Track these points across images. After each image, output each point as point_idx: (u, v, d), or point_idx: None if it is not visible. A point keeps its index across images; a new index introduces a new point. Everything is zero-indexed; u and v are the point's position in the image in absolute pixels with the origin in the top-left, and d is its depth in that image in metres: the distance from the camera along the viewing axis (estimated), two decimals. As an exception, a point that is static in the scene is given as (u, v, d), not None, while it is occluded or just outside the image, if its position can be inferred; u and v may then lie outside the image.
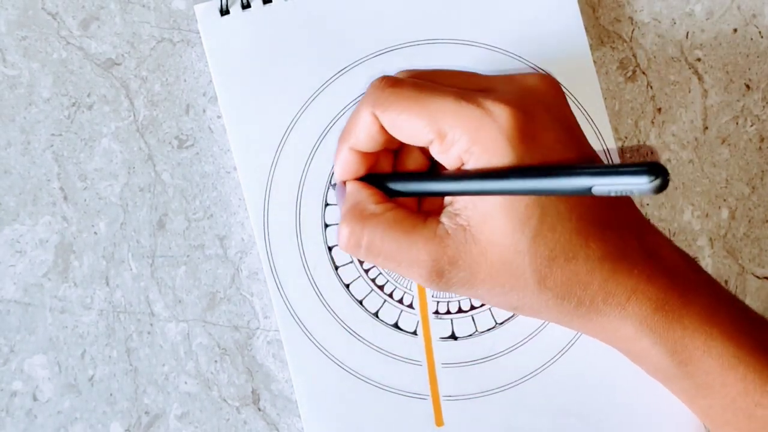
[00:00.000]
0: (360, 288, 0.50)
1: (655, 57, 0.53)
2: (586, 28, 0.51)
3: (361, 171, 0.47)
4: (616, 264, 0.43)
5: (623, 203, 0.45)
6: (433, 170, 0.47)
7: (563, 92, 0.46)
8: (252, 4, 0.50)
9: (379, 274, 0.50)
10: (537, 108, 0.43)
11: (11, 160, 0.50)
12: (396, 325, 0.50)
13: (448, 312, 0.50)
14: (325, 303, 0.50)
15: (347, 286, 0.50)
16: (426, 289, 0.50)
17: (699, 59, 0.53)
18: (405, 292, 0.50)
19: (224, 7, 0.50)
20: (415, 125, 0.43)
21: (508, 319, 0.51)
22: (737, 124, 0.53)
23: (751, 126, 0.53)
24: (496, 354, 0.50)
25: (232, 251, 0.51)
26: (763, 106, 0.53)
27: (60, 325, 0.50)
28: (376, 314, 0.50)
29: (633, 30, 0.53)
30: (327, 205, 0.50)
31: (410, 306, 0.50)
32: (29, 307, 0.50)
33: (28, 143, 0.50)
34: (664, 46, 0.53)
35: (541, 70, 0.51)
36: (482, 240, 0.43)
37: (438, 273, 0.44)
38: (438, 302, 0.50)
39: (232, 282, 0.51)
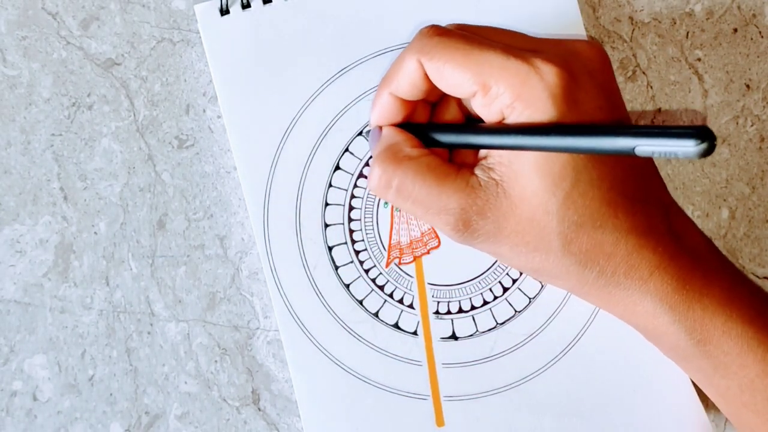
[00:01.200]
0: (360, 288, 0.50)
1: (655, 57, 0.53)
2: (586, 28, 0.51)
3: (398, 118, 0.47)
4: (642, 239, 0.43)
5: (653, 181, 0.46)
6: (471, 124, 0.47)
7: (610, 61, 0.46)
8: (252, 4, 0.50)
9: (379, 274, 0.50)
10: (582, 73, 0.43)
11: (11, 160, 0.50)
12: (396, 326, 0.50)
13: (449, 312, 0.50)
14: (325, 303, 0.50)
15: (347, 286, 0.50)
16: (426, 289, 0.50)
17: (699, 59, 0.53)
18: (405, 293, 0.50)
19: (224, 6, 0.50)
20: (460, 76, 0.43)
21: (509, 319, 0.51)
22: (737, 124, 0.53)
23: (751, 126, 0.53)
24: (496, 354, 0.50)
25: (232, 251, 0.51)
26: (763, 106, 0.53)
27: (60, 325, 0.50)
28: (376, 314, 0.50)
29: (633, 30, 0.53)
30: (327, 204, 0.50)
31: (410, 306, 0.50)
32: (29, 307, 0.50)
33: (28, 143, 0.50)
34: (664, 46, 0.53)
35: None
36: (513, 196, 0.43)
37: (465, 222, 0.44)
38: (438, 302, 0.50)
39: (232, 282, 0.51)
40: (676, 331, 0.44)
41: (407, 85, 0.46)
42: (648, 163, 0.46)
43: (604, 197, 0.43)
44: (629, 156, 0.39)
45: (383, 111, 0.47)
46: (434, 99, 0.48)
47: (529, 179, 0.43)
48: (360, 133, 0.50)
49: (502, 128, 0.43)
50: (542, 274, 0.46)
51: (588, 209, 0.43)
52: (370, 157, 0.51)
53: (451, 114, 0.48)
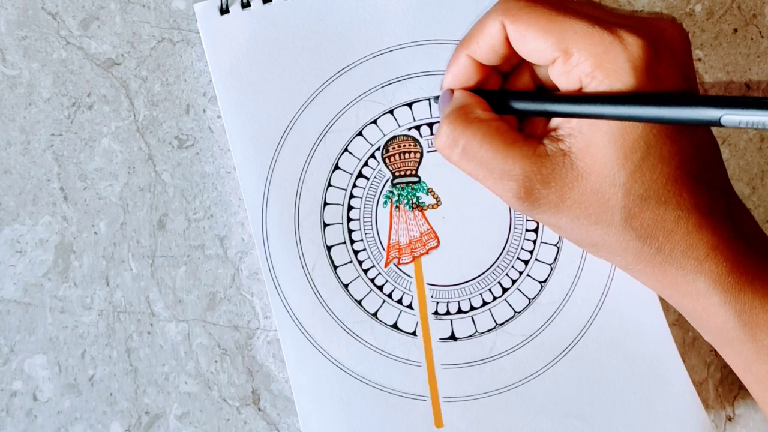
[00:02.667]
0: (359, 288, 0.50)
1: (655, 57, 0.53)
2: (586, 28, 0.51)
3: (470, 82, 0.47)
4: (703, 219, 0.44)
5: (717, 164, 0.46)
6: (547, 92, 0.47)
7: (690, 43, 0.46)
8: (252, 4, 0.50)
9: (378, 275, 0.50)
10: (665, 50, 0.43)
11: (11, 160, 0.50)
12: (395, 326, 0.50)
13: (448, 312, 0.50)
14: (323, 303, 0.50)
15: (346, 286, 0.50)
16: (425, 289, 0.50)
17: (699, 59, 0.53)
18: (404, 293, 0.50)
19: (224, 6, 0.50)
20: (543, 40, 0.44)
21: (508, 320, 0.51)
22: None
23: (752, 126, 0.53)
24: (496, 355, 0.50)
25: (232, 251, 0.51)
26: (764, 107, 0.53)
27: (60, 325, 0.50)
28: (375, 314, 0.50)
29: (633, 30, 0.53)
30: (326, 204, 0.50)
31: (409, 306, 0.50)
32: (29, 307, 0.50)
33: (28, 143, 0.50)
34: (664, 46, 0.53)
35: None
36: (580, 167, 0.43)
37: (528, 190, 0.44)
38: (437, 303, 0.50)
39: (232, 282, 0.51)
40: (724, 312, 0.44)
41: (486, 47, 0.46)
42: (713, 146, 0.46)
43: (671, 174, 0.43)
44: (712, 126, 0.39)
45: (457, 73, 0.47)
46: (507, 69, 0.48)
47: (599, 149, 0.43)
48: (359, 133, 0.50)
49: (580, 96, 0.43)
50: (599, 249, 0.46)
51: (654, 184, 0.43)
52: (371, 156, 0.51)
53: (522, 85, 0.48)
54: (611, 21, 0.44)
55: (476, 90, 0.48)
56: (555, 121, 0.45)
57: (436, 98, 0.50)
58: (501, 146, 0.44)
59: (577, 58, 0.43)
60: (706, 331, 0.47)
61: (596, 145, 0.43)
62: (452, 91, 0.48)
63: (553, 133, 0.45)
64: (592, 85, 0.43)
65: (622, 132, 0.42)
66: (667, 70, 0.43)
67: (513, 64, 0.48)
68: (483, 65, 0.47)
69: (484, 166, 0.45)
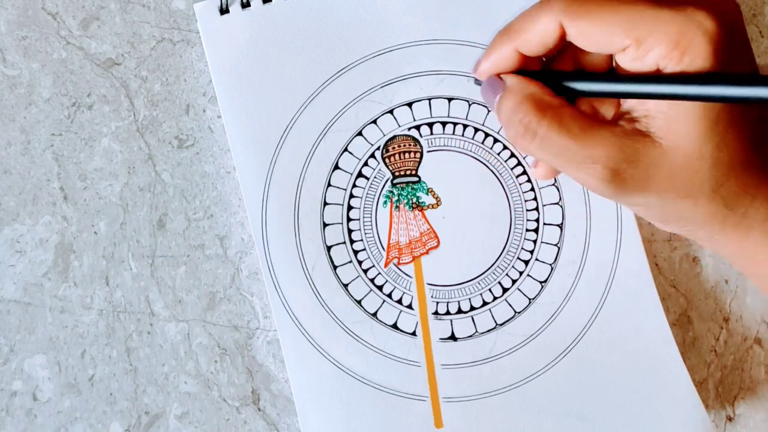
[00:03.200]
0: (359, 288, 0.50)
1: (655, 57, 0.53)
2: (586, 28, 0.51)
3: (512, 68, 0.47)
4: None
5: None
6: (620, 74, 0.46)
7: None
8: (252, 3, 0.50)
9: (378, 274, 0.50)
10: (730, 23, 0.43)
11: (11, 160, 0.50)
12: (395, 326, 0.50)
13: (448, 313, 0.50)
14: (323, 303, 0.50)
15: (346, 285, 0.50)
16: (425, 289, 0.50)
17: (699, 59, 0.53)
18: (404, 293, 0.50)
19: (224, 5, 0.50)
20: (610, 31, 0.43)
21: (509, 320, 0.51)
22: (738, 124, 0.53)
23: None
24: (496, 355, 0.50)
25: (232, 251, 0.51)
26: (764, 106, 0.53)
27: (60, 325, 0.50)
28: (374, 314, 0.50)
29: (633, 30, 0.53)
30: (326, 204, 0.50)
31: (409, 306, 0.50)
32: (29, 307, 0.50)
33: (28, 143, 0.50)
34: (664, 46, 0.53)
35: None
36: (665, 144, 0.43)
37: (614, 172, 0.43)
38: (437, 303, 0.50)
39: (232, 282, 0.51)
40: None
41: (537, 43, 0.45)
42: None
43: (752, 139, 0.43)
44: None
45: (500, 62, 0.47)
46: (551, 56, 0.47)
47: (684, 127, 0.43)
48: (359, 133, 0.50)
49: (659, 77, 0.43)
50: (686, 223, 0.45)
51: (738, 152, 0.43)
52: (371, 155, 0.51)
53: (565, 67, 0.48)
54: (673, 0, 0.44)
55: (541, 72, 0.47)
56: (628, 104, 0.45)
57: (477, 81, 0.49)
58: (579, 132, 0.44)
59: (651, 42, 0.42)
60: None
61: (679, 122, 0.43)
62: (499, 76, 0.47)
63: (627, 116, 0.44)
64: (670, 66, 0.42)
65: (704, 105, 0.42)
66: (737, 44, 0.43)
67: (556, 51, 0.47)
68: (526, 55, 0.47)
69: (564, 153, 0.44)
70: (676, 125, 0.43)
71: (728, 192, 0.44)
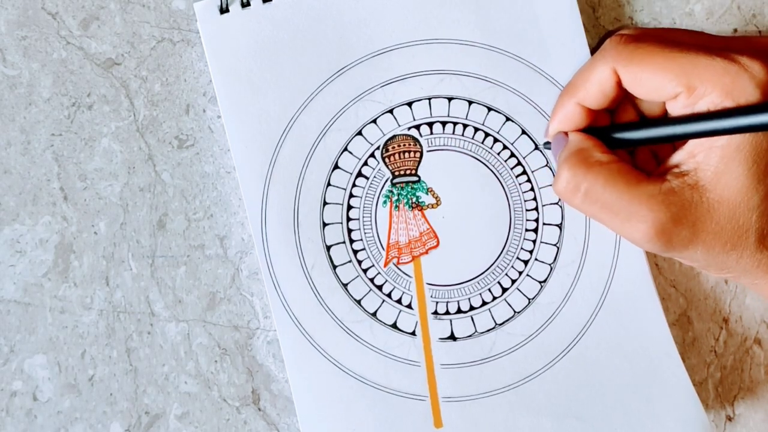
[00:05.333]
0: (358, 287, 0.50)
1: (655, 57, 0.53)
2: (586, 28, 0.51)
3: (581, 125, 0.47)
4: None
5: None
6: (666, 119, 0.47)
7: None
8: (252, 3, 0.50)
9: (377, 274, 0.50)
10: None
11: (11, 160, 0.50)
12: (394, 326, 0.50)
13: (447, 312, 0.50)
14: (322, 303, 0.50)
15: (345, 285, 0.50)
16: (425, 289, 0.50)
17: (699, 59, 0.53)
18: (404, 292, 0.50)
19: (224, 5, 0.50)
20: (662, 78, 0.44)
21: (508, 320, 0.50)
22: (737, 124, 0.53)
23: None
24: (495, 355, 0.50)
25: (232, 251, 0.51)
26: (764, 106, 0.53)
27: (60, 325, 0.50)
28: (374, 314, 0.50)
29: (633, 30, 0.53)
30: (325, 204, 0.50)
31: (409, 306, 0.50)
32: (29, 307, 0.50)
33: (28, 143, 0.50)
34: (664, 46, 0.53)
35: (541, 71, 0.51)
36: (711, 198, 0.43)
37: (659, 230, 0.44)
38: (437, 303, 0.50)
39: (232, 282, 0.51)
40: None
41: (597, 93, 0.46)
42: None
43: None
44: None
45: (566, 119, 0.48)
46: (613, 107, 0.48)
47: (733, 179, 0.43)
48: (359, 133, 0.50)
49: (706, 114, 0.43)
50: (729, 271, 0.46)
51: None
52: (371, 155, 0.51)
53: (628, 118, 0.48)
54: (723, 47, 0.44)
55: (589, 129, 0.47)
56: (677, 157, 0.45)
57: (546, 144, 0.50)
58: (624, 188, 0.44)
59: (703, 90, 0.43)
60: None
61: (729, 174, 0.43)
62: (566, 133, 0.48)
63: (675, 169, 0.45)
64: None
65: (754, 158, 0.43)
66: None
67: (618, 102, 0.48)
68: (590, 110, 0.47)
69: (609, 209, 0.45)
70: (726, 178, 0.43)
71: None
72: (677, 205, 0.44)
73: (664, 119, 0.46)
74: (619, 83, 0.45)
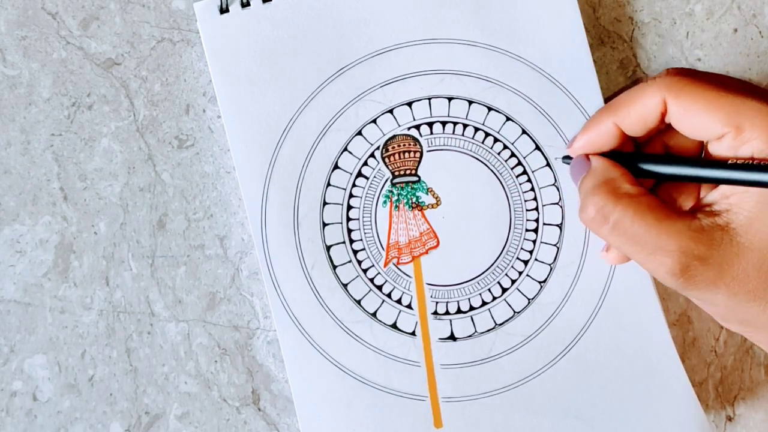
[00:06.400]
0: (358, 288, 0.50)
1: (655, 57, 0.53)
2: (586, 28, 0.51)
3: (606, 147, 0.47)
4: None
5: None
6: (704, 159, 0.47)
7: None
8: (251, 3, 0.50)
9: (377, 274, 0.50)
10: None
11: (11, 160, 0.50)
12: (394, 326, 0.50)
13: (447, 312, 0.50)
14: (322, 303, 0.50)
15: (345, 285, 0.50)
16: (425, 289, 0.50)
17: (699, 59, 0.53)
18: (403, 293, 0.50)
19: (224, 5, 0.50)
20: (712, 116, 0.43)
21: (508, 320, 0.50)
22: (737, 124, 0.53)
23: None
24: (495, 355, 0.50)
25: (232, 251, 0.51)
26: (764, 106, 0.53)
27: (60, 325, 0.50)
28: (374, 314, 0.50)
29: (633, 30, 0.53)
30: (325, 204, 0.50)
31: (409, 306, 0.50)
32: (29, 307, 0.50)
33: (28, 143, 0.50)
34: (664, 46, 0.53)
35: (541, 70, 0.51)
36: (742, 242, 0.43)
37: (684, 267, 0.43)
38: (437, 303, 0.50)
39: (232, 282, 0.51)
40: None
41: (638, 119, 0.46)
42: None
43: None
44: None
45: (595, 138, 0.47)
46: (647, 138, 0.48)
47: (766, 225, 0.43)
48: (359, 133, 0.50)
49: (747, 164, 0.43)
50: (747, 325, 0.45)
51: None
52: (371, 155, 0.51)
53: (653, 149, 0.48)
54: None
55: (615, 153, 0.47)
56: (711, 196, 0.45)
57: (565, 158, 0.50)
58: (653, 222, 0.44)
59: (750, 134, 0.43)
60: None
61: (762, 222, 0.43)
62: (587, 156, 0.48)
63: (707, 208, 0.44)
64: None
65: None
66: None
67: (653, 134, 0.47)
68: (622, 134, 0.47)
69: (635, 241, 0.44)
70: (758, 223, 0.43)
71: None
72: (705, 244, 0.43)
73: (700, 159, 0.46)
74: (663, 114, 0.45)
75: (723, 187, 0.44)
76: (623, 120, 0.46)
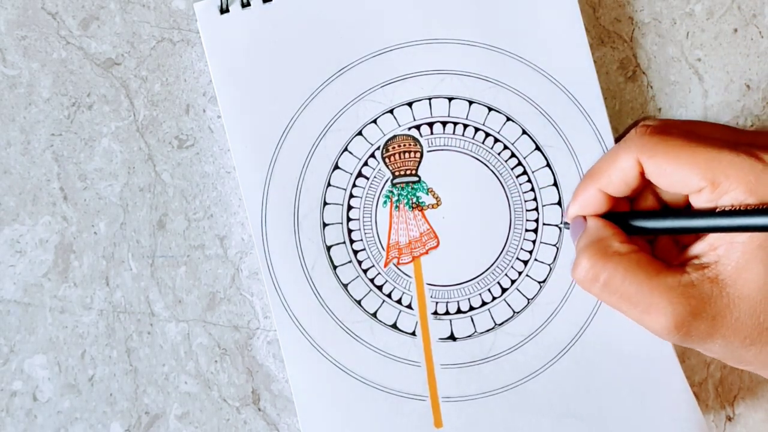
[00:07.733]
0: (358, 288, 0.50)
1: (655, 57, 0.53)
2: (586, 28, 0.51)
3: (600, 210, 0.48)
4: None
5: None
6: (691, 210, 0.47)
7: None
8: (252, 3, 0.50)
9: (378, 274, 0.50)
10: None
11: (11, 160, 0.50)
12: (394, 326, 0.50)
13: (447, 313, 0.50)
14: (322, 303, 0.50)
15: (345, 285, 0.50)
16: (425, 289, 0.50)
17: (699, 59, 0.53)
18: (404, 293, 0.50)
19: (224, 5, 0.50)
20: (687, 172, 0.44)
21: (508, 320, 0.50)
22: (737, 124, 0.53)
23: (751, 126, 0.53)
24: (495, 355, 0.50)
25: (232, 251, 0.51)
26: (763, 107, 0.53)
27: (60, 325, 0.50)
28: (374, 314, 0.50)
29: (633, 30, 0.53)
30: (325, 204, 0.50)
31: (409, 306, 0.50)
32: (29, 307, 0.50)
33: (28, 143, 0.50)
34: (664, 46, 0.53)
35: (541, 71, 0.51)
36: (732, 293, 0.43)
37: (678, 323, 0.44)
38: (437, 303, 0.50)
39: (232, 282, 0.51)
40: None
41: (619, 182, 0.46)
42: None
43: None
44: None
45: (587, 204, 0.48)
46: (635, 195, 0.48)
47: (754, 275, 0.43)
48: (359, 133, 0.50)
49: (729, 211, 0.43)
50: (749, 365, 0.46)
51: None
52: (371, 155, 0.51)
53: (648, 206, 0.48)
54: (749, 143, 0.44)
55: (609, 214, 0.48)
56: (697, 248, 0.45)
57: (566, 225, 0.50)
58: (644, 280, 0.44)
59: (727, 186, 0.43)
60: None
61: (749, 272, 0.43)
62: (584, 217, 0.48)
63: (695, 261, 0.45)
64: None
65: None
66: None
67: (640, 191, 0.48)
68: (612, 196, 0.47)
69: (628, 300, 0.45)
70: (747, 273, 0.43)
71: None
72: (697, 298, 0.44)
73: (686, 210, 0.46)
74: (642, 173, 0.46)
75: (710, 239, 0.45)
76: (606, 185, 0.47)
